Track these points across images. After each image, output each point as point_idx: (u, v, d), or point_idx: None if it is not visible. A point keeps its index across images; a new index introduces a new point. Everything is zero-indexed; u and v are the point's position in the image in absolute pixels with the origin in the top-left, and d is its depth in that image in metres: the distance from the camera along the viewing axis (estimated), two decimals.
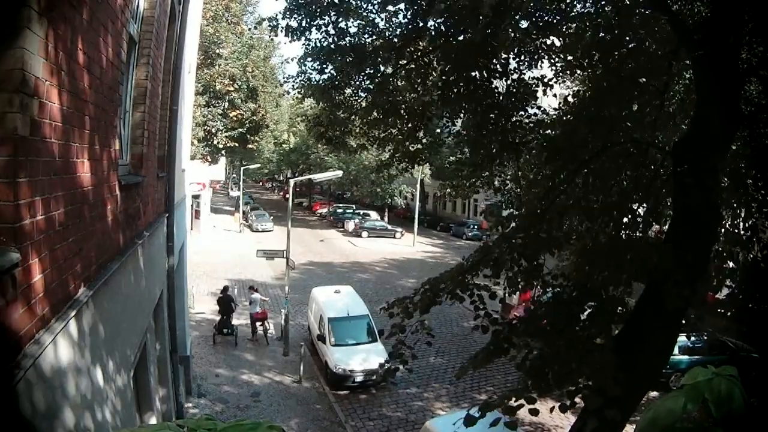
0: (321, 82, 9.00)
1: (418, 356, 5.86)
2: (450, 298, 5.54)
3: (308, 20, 8.05)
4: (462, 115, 8.12)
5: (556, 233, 5.58)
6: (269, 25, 8.53)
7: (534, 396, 4.20)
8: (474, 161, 8.43)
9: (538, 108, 8.02)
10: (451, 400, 13.94)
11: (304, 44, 8.65)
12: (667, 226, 6.10)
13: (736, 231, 6.16)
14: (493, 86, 7.54)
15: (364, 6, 8.48)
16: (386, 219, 45.53)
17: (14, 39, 2.32)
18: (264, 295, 18.91)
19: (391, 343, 5.78)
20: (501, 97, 7.58)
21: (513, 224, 6.28)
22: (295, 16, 8.05)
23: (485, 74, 7.39)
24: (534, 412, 4.08)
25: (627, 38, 7.05)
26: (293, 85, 9.74)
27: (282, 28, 8.25)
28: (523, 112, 7.80)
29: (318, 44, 8.51)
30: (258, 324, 17.14)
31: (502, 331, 5.17)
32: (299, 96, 9.79)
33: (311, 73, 9.24)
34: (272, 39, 33.91)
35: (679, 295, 4.24)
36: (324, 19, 8.15)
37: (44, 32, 2.55)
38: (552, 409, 4.71)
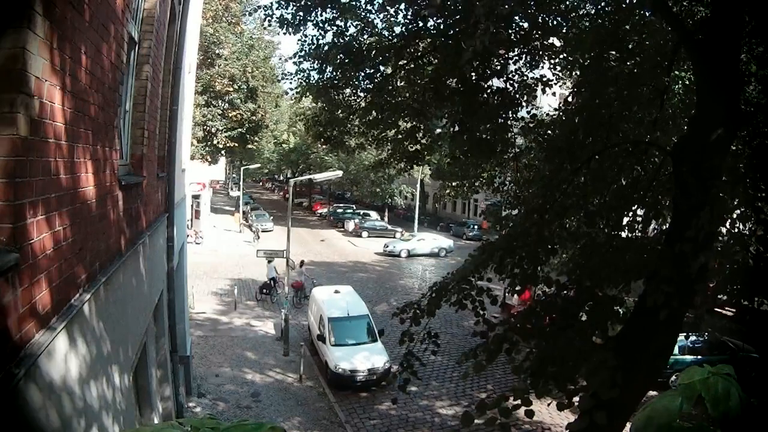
0: (320, 81, 9.00)
1: (426, 364, 5.99)
2: (454, 305, 5.61)
3: (303, 14, 8.05)
4: (453, 112, 8.11)
5: (556, 234, 5.59)
6: (264, 14, 8.56)
7: (530, 400, 4.20)
8: (461, 160, 8.44)
9: (528, 112, 8.03)
10: (451, 399, 13.94)
11: (300, 40, 8.67)
12: (666, 226, 6.09)
13: (736, 231, 6.16)
14: (488, 86, 7.54)
15: (363, 6, 8.48)
16: (386, 219, 45.52)
17: (15, 39, 2.32)
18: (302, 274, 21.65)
19: (390, 343, 5.82)
20: (495, 97, 7.58)
21: (512, 224, 6.29)
22: (290, 7, 8.05)
23: (480, 73, 7.39)
24: (529, 414, 4.08)
25: (627, 39, 7.05)
26: (291, 83, 9.79)
27: (276, 18, 8.26)
28: (514, 113, 7.80)
29: (315, 41, 8.52)
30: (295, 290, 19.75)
31: (503, 336, 5.16)
32: (297, 95, 9.79)
33: (310, 72, 9.25)
34: (272, 40, 33.99)
35: (664, 292, 4.23)
36: (319, 15, 8.15)
37: (45, 32, 2.55)
38: (549, 404, 4.72)
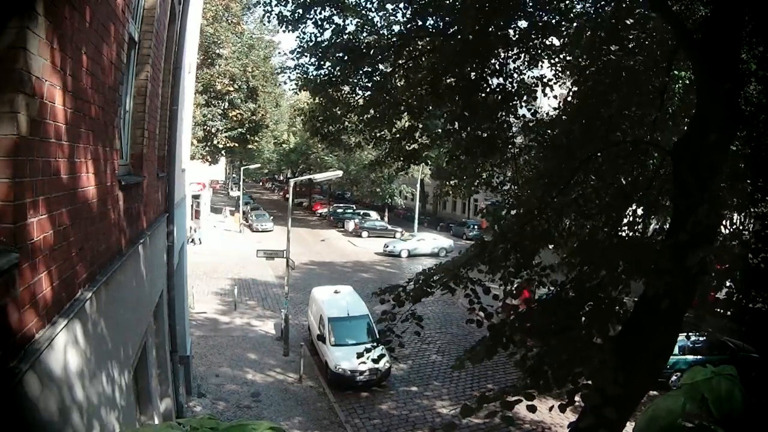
0: (318, 77, 9.01)
1: (412, 352, 5.86)
2: (442, 290, 5.50)
3: (301, 11, 8.05)
4: (451, 109, 8.09)
5: (552, 230, 5.58)
6: (263, 10, 8.57)
7: (533, 393, 4.19)
8: (459, 158, 8.41)
9: (528, 110, 8.00)
10: (452, 399, 13.94)
11: (298, 37, 8.68)
12: (667, 226, 6.09)
13: (736, 231, 6.16)
14: (486, 85, 7.53)
15: (363, 4, 8.48)
16: (386, 219, 45.50)
17: (15, 39, 2.32)
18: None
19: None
20: (494, 95, 7.57)
21: (510, 221, 6.28)
22: (289, 4, 8.06)
23: (479, 72, 7.38)
24: (531, 409, 4.07)
25: (627, 38, 7.05)
26: (289, 77, 9.83)
27: (275, 15, 8.26)
28: (513, 111, 7.78)
29: (313, 38, 8.52)
30: None
31: (500, 328, 5.15)
32: (295, 88, 9.83)
33: (308, 67, 9.25)
34: (272, 39, 33.97)
35: (665, 282, 4.22)
36: (318, 13, 8.15)
37: (45, 32, 2.55)
38: (551, 408, 4.71)
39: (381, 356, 5.88)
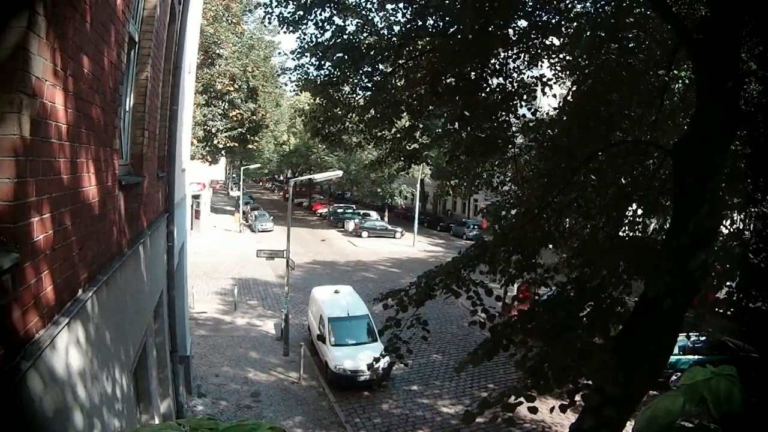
0: (318, 77, 9.02)
1: (413, 351, 5.85)
2: (445, 293, 5.50)
3: (302, 12, 8.07)
4: (451, 109, 8.10)
5: (553, 230, 5.60)
6: (264, 12, 8.61)
7: (533, 394, 4.20)
8: (459, 158, 8.43)
9: (528, 109, 8.01)
10: (452, 398, 13.95)
11: (299, 37, 8.69)
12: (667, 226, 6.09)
13: (737, 230, 6.17)
14: (486, 84, 7.54)
15: (363, 4, 8.49)
16: (386, 219, 45.51)
17: (15, 39, 2.32)
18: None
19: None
20: (494, 95, 7.58)
21: (510, 221, 6.29)
22: (290, 5, 8.08)
23: (479, 72, 7.39)
24: (533, 410, 4.08)
25: (627, 37, 7.05)
26: (290, 78, 9.85)
27: (276, 16, 8.29)
28: (513, 111, 7.78)
29: (314, 39, 8.54)
30: None
31: (501, 330, 5.16)
32: (296, 89, 9.83)
33: (308, 68, 9.27)
34: (272, 40, 33.99)
35: (665, 282, 4.23)
36: (319, 15, 8.16)
37: (45, 33, 2.55)
38: (552, 409, 4.72)
39: (390, 364, 5.92)
